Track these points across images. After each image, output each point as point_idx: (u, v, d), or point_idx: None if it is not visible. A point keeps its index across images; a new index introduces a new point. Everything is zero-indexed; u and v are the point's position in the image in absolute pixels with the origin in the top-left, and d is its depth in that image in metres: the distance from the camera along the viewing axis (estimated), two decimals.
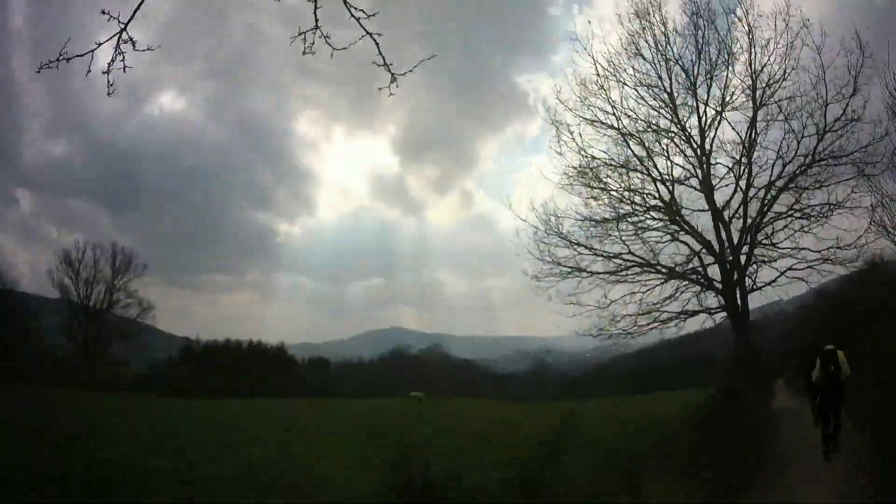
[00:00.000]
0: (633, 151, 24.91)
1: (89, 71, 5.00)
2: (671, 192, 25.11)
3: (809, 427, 14.55)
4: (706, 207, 25.07)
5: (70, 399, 28.12)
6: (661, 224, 25.35)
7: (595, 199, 25.14)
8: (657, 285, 25.03)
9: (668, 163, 25.15)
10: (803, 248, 23.82)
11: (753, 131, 24.08)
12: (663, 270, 25.09)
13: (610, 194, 25.11)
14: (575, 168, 25.03)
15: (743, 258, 24.83)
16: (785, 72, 23.02)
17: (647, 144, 24.89)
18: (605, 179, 25.11)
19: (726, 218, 24.98)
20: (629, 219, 25.13)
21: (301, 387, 64.61)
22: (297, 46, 5.55)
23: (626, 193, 25.09)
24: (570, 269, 24.73)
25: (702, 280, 25.09)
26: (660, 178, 25.05)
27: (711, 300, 25.07)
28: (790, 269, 24.09)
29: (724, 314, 24.92)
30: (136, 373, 61.79)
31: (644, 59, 24.42)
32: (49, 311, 53.91)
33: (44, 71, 4.84)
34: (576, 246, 24.86)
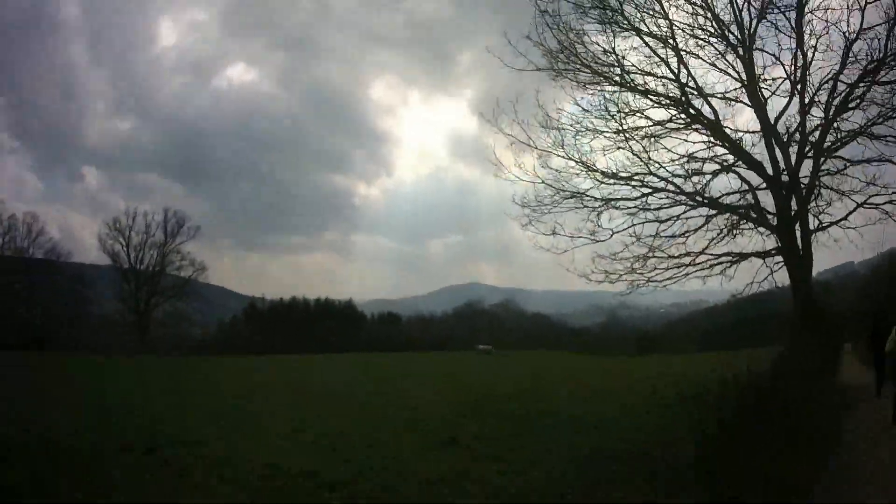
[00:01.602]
0: (652, 50, 18.92)
1: None
2: (702, 101, 19.18)
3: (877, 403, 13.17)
4: (757, 129, 19.39)
5: (97, 367, 28.31)
6: (699, 145, 19.65)
7: (599, 91, 19.17)
8: (678, 215, 19.43)
9: (684, 66, 18.91)
10: (885, 161, 18.06)
11: (803, 20, 18.02)
12: (700, 199, 19.54)
13: (613, 96, 19.15)
14: (561, 50, 18.63)
15: (804, 188, 19.30)
16: None
17: (671, 41, 18.72)
18: (608, 74, 18.99)
19: (782, 136, 19.28)
20: (651, 130, 19.32)
21: (369, 342, 64.23)
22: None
23: (638, 97, 19.20)
24: (570, 194, 19.16)
25: (750, 211, 19.57)
26: (689, 84, 19.00)
27: (770, 242, 19.57)
28: (867, 201, 18.50)
29: (780, 259, 19.41)
30: (201, 334, 63.07)
31: None
32: (114, 279, 55.31)
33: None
34: (576, 163, 19.11)
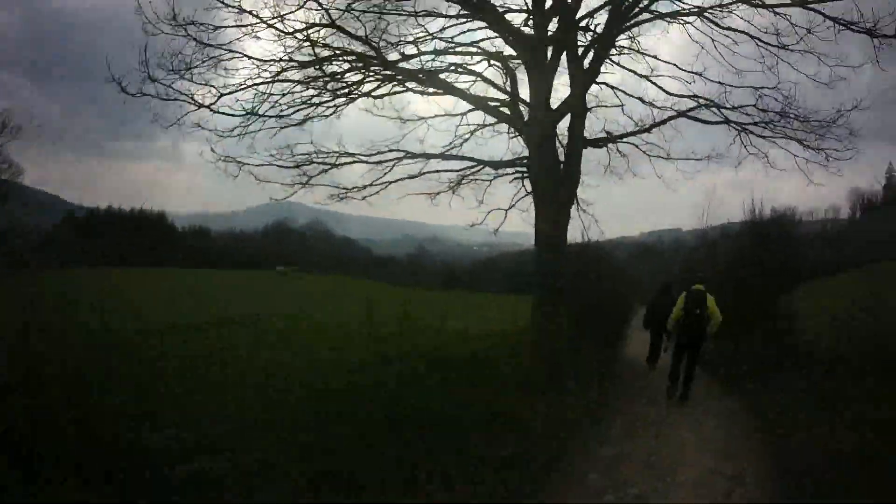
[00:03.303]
0: None
1: None
2: None
3: (648, 375, 12.32)
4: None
5: None
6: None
7: None
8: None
9: None
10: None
11: None
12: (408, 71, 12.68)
13: None
14: None
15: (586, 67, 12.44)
16: None
17: None
18: None
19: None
20: None
21: (176, 257, 65.43)
22: None
23: None
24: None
25: (499, 108, 13.09)
26: None
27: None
28: (694, 110, 13.09)
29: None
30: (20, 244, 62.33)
31: None
32: None
33: None
34: None
